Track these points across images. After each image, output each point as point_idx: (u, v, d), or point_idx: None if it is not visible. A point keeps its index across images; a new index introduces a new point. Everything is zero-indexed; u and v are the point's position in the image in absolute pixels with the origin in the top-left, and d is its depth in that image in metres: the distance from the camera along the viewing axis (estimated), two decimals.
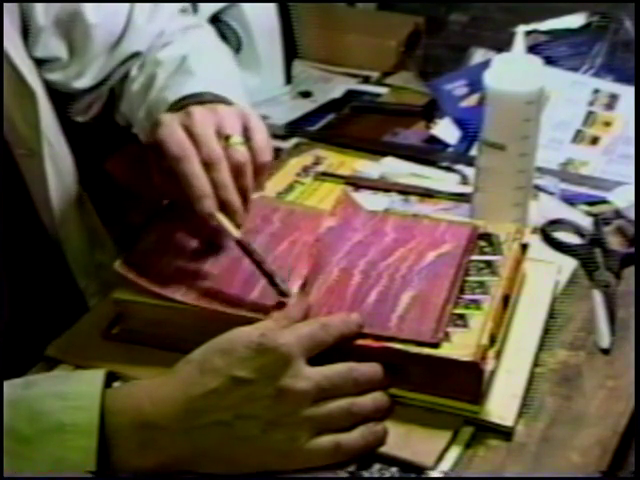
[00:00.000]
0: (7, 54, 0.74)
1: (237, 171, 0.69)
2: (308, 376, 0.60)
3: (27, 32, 0.80)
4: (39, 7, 0.80)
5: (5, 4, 0.76)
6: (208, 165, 0.68)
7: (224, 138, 0.70)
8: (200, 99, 0.75)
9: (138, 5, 0.85)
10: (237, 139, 0.70)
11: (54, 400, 0.58)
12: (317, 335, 0.62)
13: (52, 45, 0.82)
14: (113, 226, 0.90)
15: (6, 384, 0.60)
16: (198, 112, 0.71)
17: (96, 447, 0.57)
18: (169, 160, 0.68)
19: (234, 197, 0.68)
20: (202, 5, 1.07)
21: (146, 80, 0.83)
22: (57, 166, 0.80)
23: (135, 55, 0.85)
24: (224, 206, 0.68)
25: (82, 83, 0.85)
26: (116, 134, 1.00)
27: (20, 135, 0.76)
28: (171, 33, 0.86)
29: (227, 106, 0.74)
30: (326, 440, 0.60)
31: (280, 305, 0.66)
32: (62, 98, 0.85)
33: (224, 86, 0.79)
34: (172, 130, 0.69)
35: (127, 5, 0.85)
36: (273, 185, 0.91)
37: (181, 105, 0.75)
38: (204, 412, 0.59)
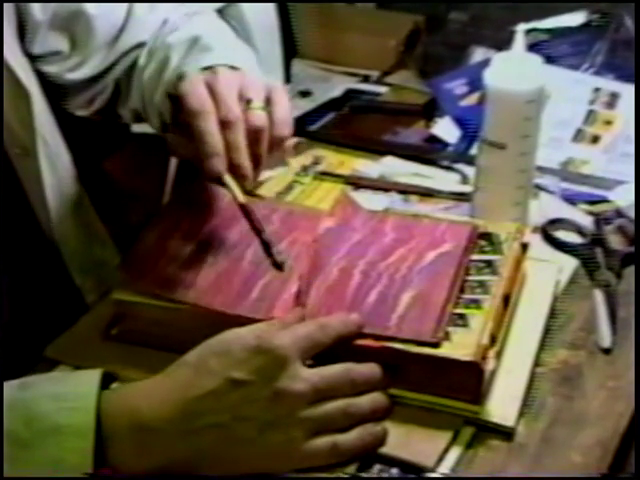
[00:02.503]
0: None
1: (253, 136, 0.68)
2: (305, 377, 0.60)
3: (23, 29, 0.80)
4: (36, 3, 0.80)
5: None
6: (224, 124, 0.67)
7: (245, 101, 0.69)
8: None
9: None
10: (258, 104, 0.69)
11: (50, 402, 0.58)
12: (314, 336, 0.62)
13: (51, 40, 0.81)
14: (112, 224, 0.90)
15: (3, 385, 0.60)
16: (224, 72, 0.70)
17: (92, 448, 0.57)
18: (186, 114, 0.68)
19: (245, 161, 0.67)
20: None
21: (158, 65, 0.82)
22: (53, 165, 0.80)
23: (139, 46, 0.84)
24: (234, 169, 0.67)
25: (80, 74, 0.83)
26: (116, 133, 1.00)
27: (14, 135, 0.76)
28: (176, 20, 0.85)
29: (254, 75, 0.73)
30: (323, 441, 0.60)
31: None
32: (61, 94, 0.85)
33: (245, 61, 0.78)
34: (194, 85, 0.68)
35: None
36: (272, 185, 0.91)
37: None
38: (201, 414, 0.59)
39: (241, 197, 0.68)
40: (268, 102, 0.71)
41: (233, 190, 0.68)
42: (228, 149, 0.67)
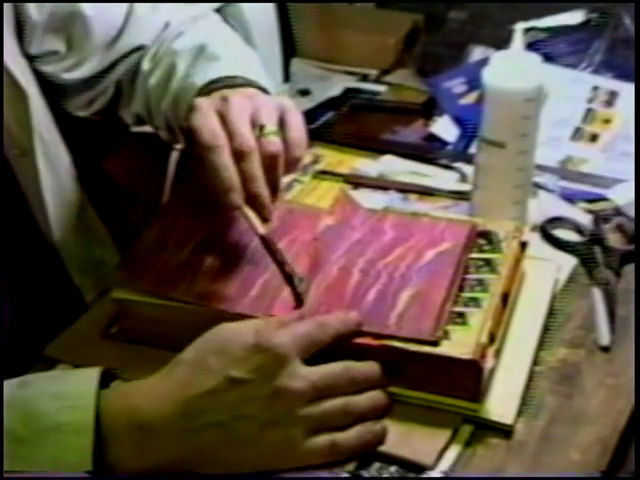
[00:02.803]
0: None
1: (268, 163, 0.67)
2: (304, 376, 0.60)
3: (21, 29, 0.80)
4: (32, 4, 0.79)
5: None
6: (239, 155, 0.66)
7: (258, 127, 0.68)
8: (231, 82, 0.73)
9: None
10: (271, 129, 0.68)
11: (50, 400, 0.58)
12: (314, 334, 0.62)
13: (48, 40, 0.81)
14: (112, 225, 0.90)
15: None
16: (235, 99, 0.69)
17: (92, 446, 0.57)
18: (200, 148, 0.67)
19: (263, 191, 0.66)
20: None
21: (165, 72, 0.81)
22: (52, 165, 0.80)
23: (139, 48, 0.84)
24: (252, 199, 0.66)
25: (78, 74, 0.83)
26: (115, 133, 0.99)
27: (12, 135, 0.76)
28: (179, 23, 0.84)
29: (266, 95, 0.73)
30: (322, 439, 0.60)
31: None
32: (60, 94, 0.84)
33: (252, 70, 0.77)
34: (206, 117, 0.67)
35: None
36: None
37: (210, 89, 0.73)
38: (201, 413, 0.59)
39: (261, 228, 0.67)
40: (281, 124, 0.69)
41: (252, 221, 0.67)
42: (244, 180, 0.66)
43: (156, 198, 0.99)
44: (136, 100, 0.86)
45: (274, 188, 0.68)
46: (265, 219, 0.67)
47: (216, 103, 0.69)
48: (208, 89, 0.74)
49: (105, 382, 0.61)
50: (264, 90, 0.74)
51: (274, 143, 0.67)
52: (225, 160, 0.65)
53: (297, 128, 0.70)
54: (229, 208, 0.67)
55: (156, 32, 0.84)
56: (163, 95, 0.81)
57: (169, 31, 0.84)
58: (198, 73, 0.77)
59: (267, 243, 0.67)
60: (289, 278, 0.67)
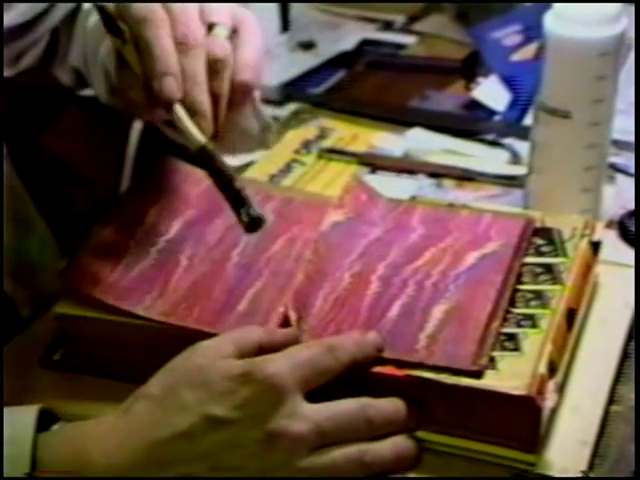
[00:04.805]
0: None
1: (212, 68, 0.69)
2: (306, 415, 0.60)
3: None
4: None
5: None
6: (181, 48, 0.67)
7: (207, 26, 0.70)
8: None
9: None
10: (223, 31, 0.70)
11: None
12: (320, 362, 0.63)
13: None
14: (52, 216, 0.90)
15: None
16: None
17: None
18: (131, 26, 0.68)
19: (204, 95, 0.68)
20: None
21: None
22: None
23: None
24: (189, 105, 0.68)
25: (6, 21, 0.83)
26: (55, 99, 1.00)
27: None
28: None
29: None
30: None
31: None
32: None
33: None
34: None
35: None
36: (265, 165, 0.92)
37: None
38: (169, 462, 0.59)
39: (200, 136, 0.67)
40: (233, 34, 0.71)
41: (187, 127, 0.67)
42: (183, 78, 0.67)
43: (109, 183, 1.00)
44: (74, 49, 0.86)
45: (215, 101, 0.69)
46: (204, 133, 0.68)
47: None
48: None
49: (45, 424, 0.61)
50: None
51: (222, 45, 0.69)
52: (162, 38, 0.67)
53: (251, 45, 0.71)
54: (161, 99, 0.67)
55: None
56: (102, 38, 0.81)
57: None
58: None
59: (208, 156, 0.67)
60: (238, 200, 0.66)
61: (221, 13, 0.71)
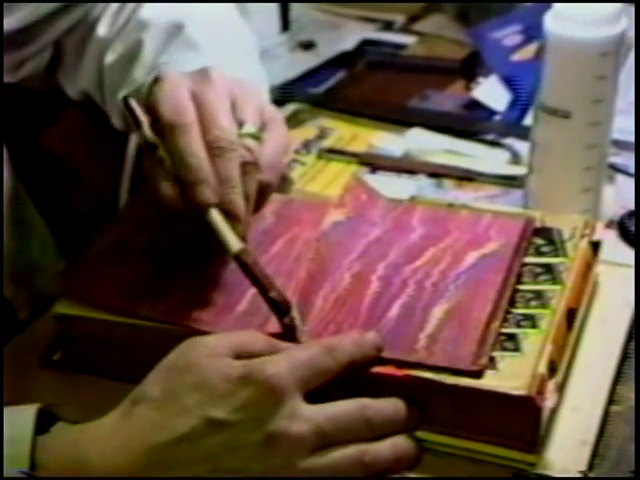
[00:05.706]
0: None
1: (242, 170, 0.68)
2: (306, 416, 0.60)
3: None
4: None
5: None
6: (214, 149, 0.66)
7: (237, 123, 0.69)
8: None
9: None
10: (251, 129, 0.69)
11: None
12: (319, 362, 0.63)
13: None
14: (53, 217, 0.90)
15: None
16: (218, 75, 0.69)
17: None
18: (162, 126, 0.67)
19: (240, 200, 0.67)
20: None
21: (127, 49, 0.82)
22: None
23: None
24: (224, 209, 0.67)
25: (5, 24, 0.82)
26: (55, 99, 1.00)
27: None
28: None
29: (254, 89, 0.73)
30: None
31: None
32: None
33: (240, 64, 0.78)
34: (174, 88, 0.67)
35: None
36: None
37: None
38: (170, 466, 0.59)
39: (236, 242, 0.67)
40: (261, 131, 0.70)
41: (224, 234, 0.67)
42: (218, 181, 0.66)
43: (109, 183, 1.00)
44: (85, 74, 0.86)
45: (247, 201, 0.68)
46: (239, 236, 0.67)
47: (193, 76, 0.69)
48: None
49: (44, 425, 0.61)
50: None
51: (253, 148, 0.68)
52: (193, 144, 0.66)
53: (276, 146, 0.71)
54: (199, 207, 0.66)
55: None
56: (122, 81, 0.81)
57: None
58: (170, 62, 0.78)
59: (245, 265, 0.67)
60: (276, 307, 0.66)
61: (252, 112, 0.70)
